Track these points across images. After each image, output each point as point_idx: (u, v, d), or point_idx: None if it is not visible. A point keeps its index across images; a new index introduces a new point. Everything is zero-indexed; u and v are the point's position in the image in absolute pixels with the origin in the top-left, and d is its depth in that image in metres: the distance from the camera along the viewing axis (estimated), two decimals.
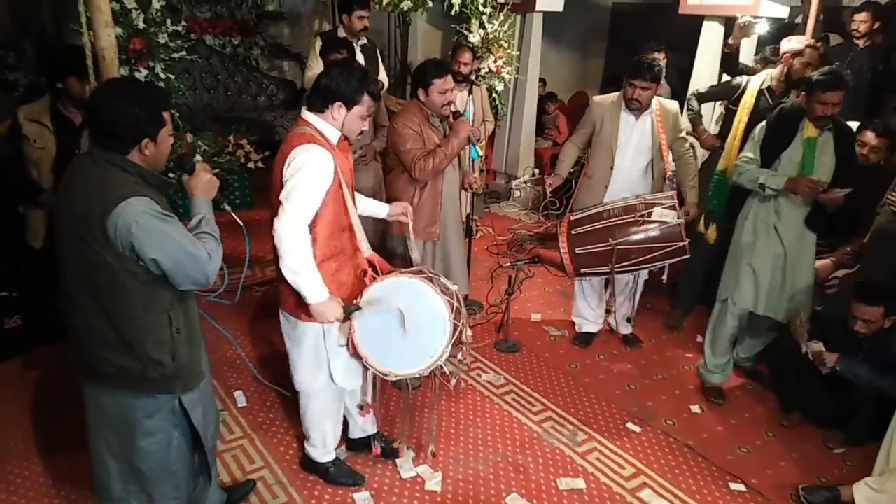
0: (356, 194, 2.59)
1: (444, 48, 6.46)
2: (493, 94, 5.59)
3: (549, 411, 3.21)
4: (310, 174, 2.08)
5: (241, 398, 3.14)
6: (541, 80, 6.53)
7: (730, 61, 3.91)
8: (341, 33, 4.19)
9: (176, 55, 4.58)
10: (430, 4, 5.27)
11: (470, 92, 4.27)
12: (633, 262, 3.17)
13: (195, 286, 1.82)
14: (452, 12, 5.19)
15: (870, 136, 3.44)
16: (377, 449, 2.74)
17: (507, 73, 5.52)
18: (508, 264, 3.88)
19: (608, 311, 3.86)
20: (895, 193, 3.16)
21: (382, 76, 4.54)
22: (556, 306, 4.31)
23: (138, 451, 1.93)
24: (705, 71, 4.94)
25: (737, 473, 2.81)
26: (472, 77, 4.40)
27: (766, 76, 3.61)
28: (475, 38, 5.20)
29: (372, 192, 3.51)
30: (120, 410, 1.89)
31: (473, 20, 5.25)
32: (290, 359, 2.45)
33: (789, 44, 3.53)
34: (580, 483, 2.71)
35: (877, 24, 4.39)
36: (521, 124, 6.11)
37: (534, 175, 6.29)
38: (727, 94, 3.79)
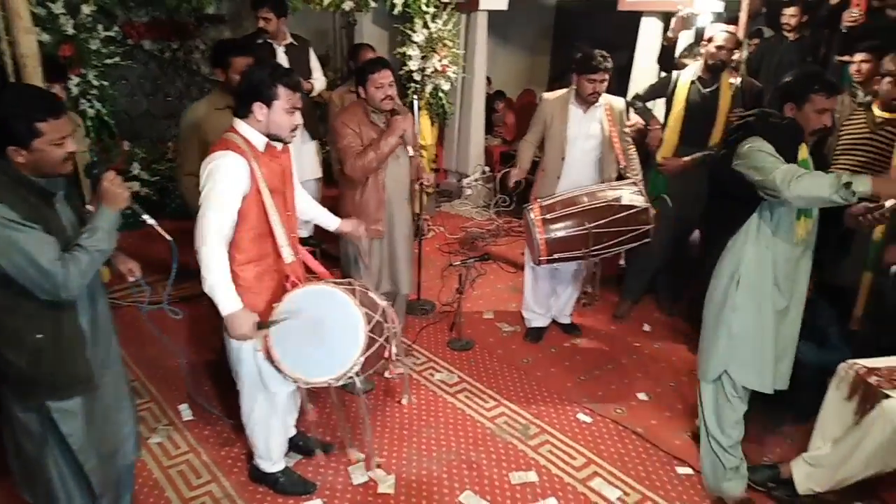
0: (307, 199, 2.61)
1: (390, 48, 6.43)
2: (440, 94, 5.59)
3: (501, 407, 3.23)
4: (218, 182, 2.08)
5: (186, 412, 3.07)
6: (487, 78, 6.56)
7: (667, 55, 3.97)
8: (263, 37, 4.15)
9: (110, 61, 4.46)
10: (374, 5, 5.25)
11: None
12: (604, 245, 3.21)
13: (48, 297, 1.78)
14: (395, 12, 5.17)
15: None
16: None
17: (453, 72, 5.53)
18: (459, 262, 3.90)
19: (584, 293, 3.88)
20: None
21: (318, 77, 4.48)
22: (508, 302, 4.34)
23: (16, 446, 1.95)
24: (645, 66, 5.06)
25: (684, 457, 2.88)
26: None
27: (696, 68, 3.72)
28: (419, 37, 5.20)
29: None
30: (5, 400, 1.92)
31: (417, 20, 5.25)
32: (233, 369, 2.41)
33: (710, 31, 3.63)
34: (532, 476, 2.74)
35: (804, 18, 4.57)
36: (469, 123, 6.13)
37: (484, 173, 6.32)
38: (663, 91, 3.88)
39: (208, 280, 2.10)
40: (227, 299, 2.12)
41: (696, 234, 3.96)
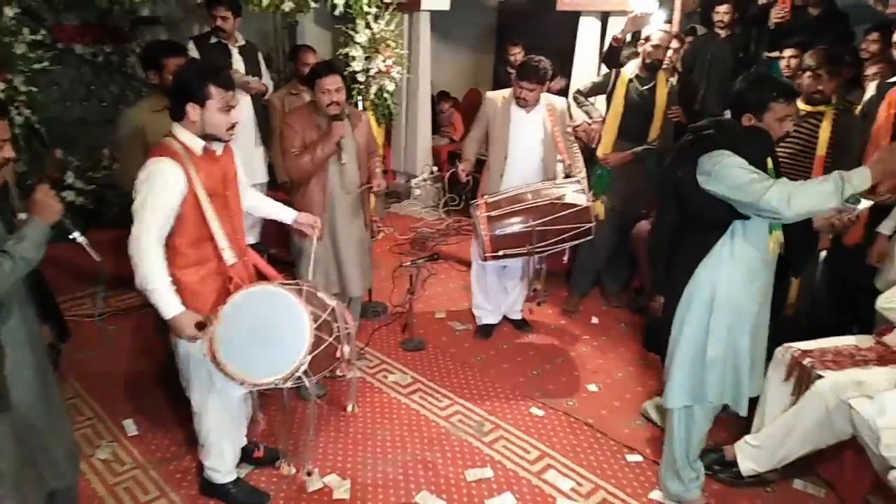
0: (258, 197, 2.61)
1: (333, 49, 6.37)
2: (386, 94, 5.57)
3: (456, 405, 3.25)
4: (151, 189, 2.07)
5: (130, 427, 2.97)
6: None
7: (614, 54, 3.99)
8: (215, 37, 4.07)
9: (38, 66, 4.28)
10: (315, 5, 5.18)
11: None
12: (548, 242, 3.26)
13: None
14: (337, 13, 5.13)
15: None
16: (259, 451, 2.72)
17: (398, 72, 5.51)
18: (409, 263, 3.90)
19: (533, 291, 3.91)
20: None
21: (266, 79, 4.43)
22: (459, 301, 4.36)
23: None
24: (585, 64, 5.17)
25: (633, 445, 2.96)
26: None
27: (634, 66, 3.82)
28: (362, 38, 5.16)
29: None
30: None
31: (359, 20, 5.21)
32: (183, 376, 2.37)
33: (645, 30, 3.73)
34: (488, 472, 2.76)
35: (735, 16, 4.75)
36: (416, 123, 6.13)
37: (433, 173, 6.34)
38: (604, 88, 3.98)
39: (147, 286, 2.08)
40: (167, 304, 2.11)
41: (642, 225, 4.06)
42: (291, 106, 3.93)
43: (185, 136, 2.15)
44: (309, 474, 2.68)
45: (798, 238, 2.38)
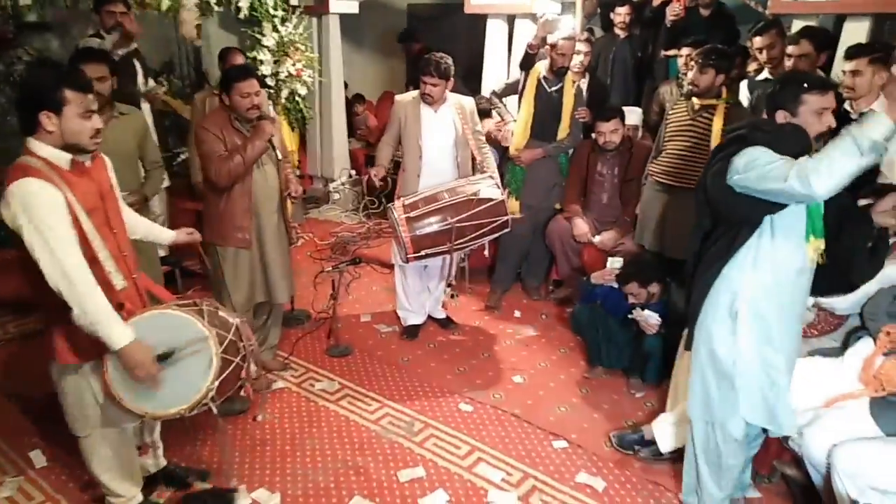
0: (132, 215, 2.41)
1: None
2: (298, 98, 5.49)
3: (385, 408, 3.24)
4: (38, 215, 1.84)
5: (39, 458, 2.79)
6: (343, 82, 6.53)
7: (529, 60, 4.01)
8: (108, 42, 3.83)
9: None
10: (219, 9, 5.03)
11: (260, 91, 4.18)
12: (467, 238, 3.31)
13: None
14: (241, 16, 5.00)
15: (603, 126, 3.92)
16: (161, 492, 2.60)
17: (309, 76, 5.44)
18: (331, 268, 3.85)
19: (449, 286, 3.97)
20: (654, 165, 3.65)
21: (140, 81, 4.24)
22: (384, 303, 4.36)
23: None
24: (495, 66, 5.27)
25: (559, 432, 3.05)
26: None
27: (543, 68, 3.95)
28: (269, 41, 5.07)
29: None
30: None
31: (265, 23, 5.11)
32: (68, 412, 2.21)
33: (552, 37, 3.87)
34: (420, 471, 2.78)
35: (633, 17, 4.99)
36: (331, 127, 6.07)
37: (350, 176, 6.29)
38: (516, 88, 4.09)
39: (87, 318, 1.89)
40: (116, 333, 1.92)
41: (556, 220, 4.19)
42: (213, 107, 3.80)
43: (46, 151, 1.92)
44: (234, 491, 2.60)
45: (852, 243, 2.13)
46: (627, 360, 3.42)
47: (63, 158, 1.95)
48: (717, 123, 3.32)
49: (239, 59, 4.16)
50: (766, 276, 2.13)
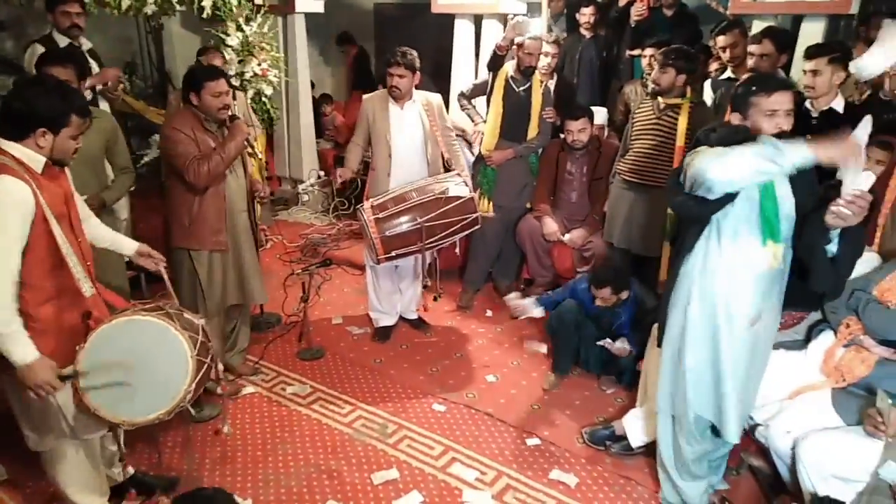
0: (97, 224, 2.36)
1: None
2: (264, 98, 5.42)
3: (358, 410, 3.23)
4: (1, 214, 1.83)
5: (0, 472, 2.69)
6: (310, 82, 6.47)
7: (497, 61, 3.99)
8: (61, 39, 3.74)
9: None
10: (181, 8, 4.94)
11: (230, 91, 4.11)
12: (437, 237, 3.30)
13: None
14: (205, 15, 4.91)
15: (571, 124, 3.95)
16: (131, 493, 2.54)
17: (275, 75, 5.38)
18: (301, 270, 3.81)
19: (425, 287, 3.96)
20: (621, 163, 3.70)
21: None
22: (355, 305, 4.33)
23: None
24: (462, 66, 5.28)
25: (532, 430, 3.07)
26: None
27: (511, 68, 3.97)
28: (233, 41, 4.99)
29: None
30: None
31: (229, 23, 5.03)
32: (19, 421, 2.15)
33: (520, 38, 3.89)
34: (394, 473, 2.77)
35: (599, 17, 5.05)
36: (298, 127, 6.01)
37: (319, 177, 6.23)
38: (484, 89, 4.10)
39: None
40: (24, 348, 1.88)
41: (527, 219, 4.22)
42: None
43: (20, 152, 1.91)
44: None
45: (811, 241, 2.05)
46: (601, 366, 3.45)
47: (38, 161, 1.95)
48: (682, 122, 3.38)
49: (217, 60, 4.10)
50: (719, 279, 2.14)
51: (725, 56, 3.79)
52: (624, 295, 3.26)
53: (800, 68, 3.20)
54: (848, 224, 1.92)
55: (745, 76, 3.41)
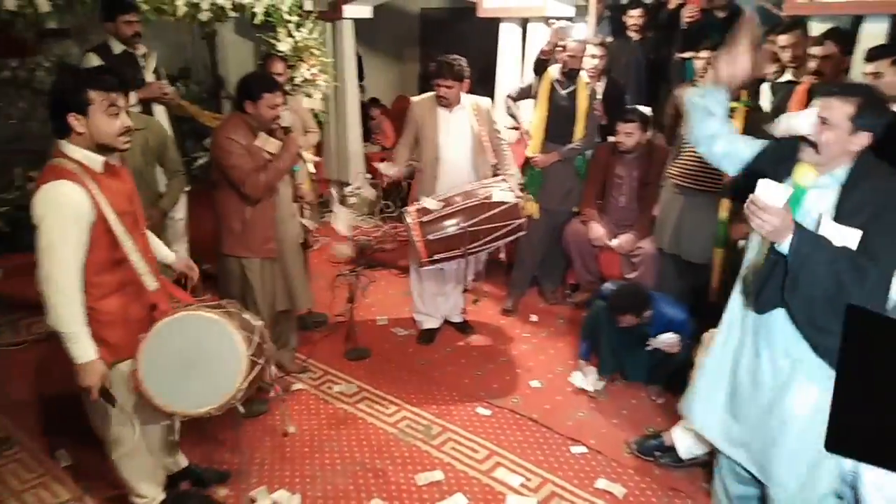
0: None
1: (255, 58, 6.25)
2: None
3: (403, 411, 3.25)
4: (57, 219, 1.90)
5: (64, 457, 2.83)
6: (360, 86, 6.57)
7: (542, 66, 4.00)
8: (116, 47, 3.88)
9: None
10: (234, 15, 5.08)
11: (284, 102, 4.18)
12: (482, 241, 3.31)
13: None
14: (256, 21, 5.04)
15: (621, 126, 3.90)
16: (185, 484, 2.62)
17: (324, 80, 5.48)
18: (348, 272, 3.87)
19: (465, 290, 3.95)
20: (673, 167, 3.63)
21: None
22: (400, 307, 4.37)
23: None
24: (508, 70, 5.28)
25: (577, 437, 3.04)
26: (286, 87, 4.32)
27: (556, 71, 3.96)
28: (284, 46, 5.10)
29: None
30: None
31: (280, 29, 5.15)
32: (86, 408, 2.25)
33: (562, 42, 3.86)
34: (438, 475, 2.78)
35: (647, 19, 4.98)
36: (346, 131, 6.11)
37: (366, 180, 6.31)
38: (529, 92, 4.09)
39: (62, 329, 1.95)
40: (84, 349, 1.98)
41: (573, 223, 4.19)
42: None
43: (79, 154, 1.97)
44: (252, 501, 2.61)
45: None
46: (646, 375, 3.40)
47: (96, 161, 2.00)
48: (737, 127, 3.30)
49: (279, 66, 4.18)
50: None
51: (786, 56, 3.67)
52: (647, 312, 3.22)
53: (860, 71, 3.09)
54: None
55: (805, 79, 3.32)
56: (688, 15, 4.67)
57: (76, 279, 1.95)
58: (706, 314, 3.22)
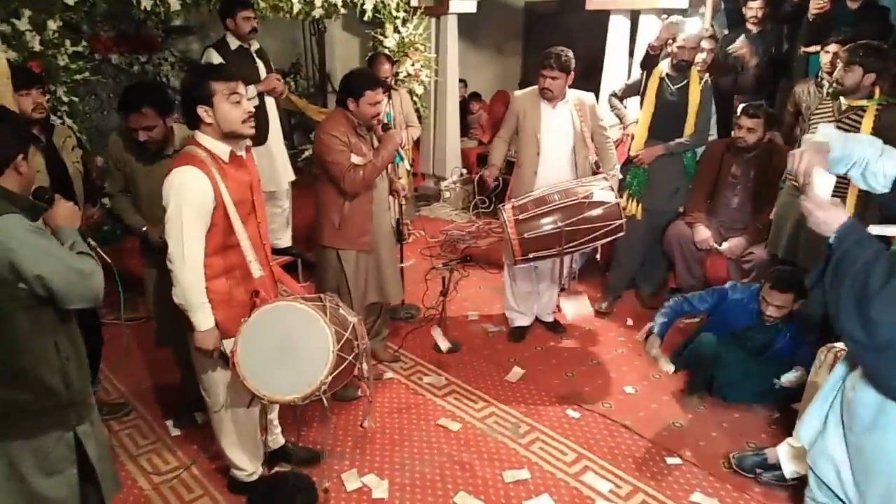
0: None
1: (361, 54, 6.44)
2: (414, 98, 5.61)
3: (491, 407, 3.25)
4: (184, 201, 2.06)
5: (173, 428, 3.04)
6: (462, 80, 6.60)
7: (651, 61, 3.87)
8: (233, 42, 4.08)
9: (79, 77, 4.39)
10: (344, 11, 5.25)
11: (389, 97, 4.27)
12: (578, 241, 3.24)
13: (85, 303, 1.76)
14: (366, 18, 5.18)
15: (744, 120, 3.65)
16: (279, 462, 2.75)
17: (426, 75, 5.55)
18: (441, 266, 3.91)
19: (562, 289, 3.87)
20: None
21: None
22: (491, 303, 4.36)
23: (40, 501, 1.82)
24: (616, 64, 5.12)
25: (672, 448, 2.92)
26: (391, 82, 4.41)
27: (665, 65, 3.79)
28: (391, 42, 5.21)
29: None
30: (7, 465, 1.78)
31: (388, 25, 5.26)
32: (199, 379, 2.40)
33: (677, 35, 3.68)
34: (525, 474, 2.75)
35: (768, 11, 4.67)
36: (445, 125, 6.16)
37: (462, 175, 6.35)
38: (637, 89, 3.95)
39: (190, 300, 2.14)
40: (205, 318, 2.18)
41: (677, 224, 4.01)
42: None
43: (210, 143, 2.12)
44: (326, 491, 2.65)
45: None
46: (752, 397, 3.19)
47: (224, 151, 2.15)
48: (867, 126, 3.03)
49: (386, 66, 4.27)
50: None
51: None
52: (796, 306, 2.98)
53: None
54: None
55: None
56: (816, 5, 4.33)
57: (199, 256, 2.11)
58: (823, 327, 2.99)
